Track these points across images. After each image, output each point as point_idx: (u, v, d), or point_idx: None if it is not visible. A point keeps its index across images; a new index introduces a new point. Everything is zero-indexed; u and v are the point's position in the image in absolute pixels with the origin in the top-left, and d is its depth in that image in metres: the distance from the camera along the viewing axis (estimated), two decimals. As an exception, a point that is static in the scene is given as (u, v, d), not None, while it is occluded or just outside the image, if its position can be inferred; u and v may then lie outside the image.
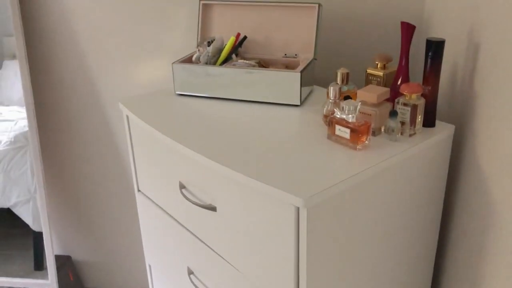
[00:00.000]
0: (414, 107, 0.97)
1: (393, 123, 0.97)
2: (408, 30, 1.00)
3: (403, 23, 1.00)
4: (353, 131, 0.94)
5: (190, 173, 1.06)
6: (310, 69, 1.25)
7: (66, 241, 2.12)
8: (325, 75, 1.44)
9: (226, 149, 0.98)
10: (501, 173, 0.90)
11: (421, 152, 0.99)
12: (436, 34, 1.21)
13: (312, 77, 1.30)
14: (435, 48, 0.98)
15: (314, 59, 1.28)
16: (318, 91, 1.32)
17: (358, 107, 0.95)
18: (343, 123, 0.95)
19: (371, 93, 0.98)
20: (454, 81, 1.11)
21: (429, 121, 1.04)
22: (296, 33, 1.30)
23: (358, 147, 0.95)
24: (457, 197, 1.13)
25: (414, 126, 1.00)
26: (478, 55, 1.00)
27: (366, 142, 0.96)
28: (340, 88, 1.03)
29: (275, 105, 1.20)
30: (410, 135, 1.00)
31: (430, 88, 1.01)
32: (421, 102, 0.98)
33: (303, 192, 0.80)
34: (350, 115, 0.94)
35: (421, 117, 1.00)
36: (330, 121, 0.98)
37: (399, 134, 0.98)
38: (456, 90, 1.12)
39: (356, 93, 1.10)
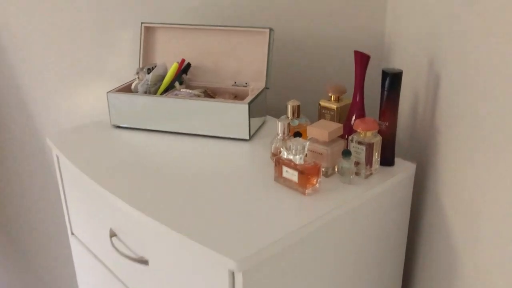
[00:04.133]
0: (370, 146, 0.87)
1: (346, 164, 0.87)
2: (362, 60, 0.90)
3: (356, 53, 0.90)
4: (301, 173, 0.83)
5: (121, 220, 0.93)
6: (261, 99, 1.14)
7: None
8: (280, 104, 1.34)
9: (159, 195, 0.86)
10: (464, 217, 0.80)
11: (379, 195, 0.89)
12: (397, 63, 1.12)
13: (264, 108, 1.19)
14: (391, 80, 0.89)
15: (266, 88, 1.18)
16: (272, 122, 1.21)
17: (306, 146, 0.84)
18: (291, 164, 0.84)
19: (322, 130, 0.88)
20: (415, 115, 1.02)
21: (387, 160, 0.94)
22: (246, 60, 1.20)
23: (307, 191, 0.84)
24: (421, 240, 1.03)
25: (371, 166, 0.89)
26: (439, 87, 0.92)
27: (317, 185, 0.85)
28: (289, 123, 0.93)
29: (222, 139, 1.09)
30: (366, 176, 0.90)
31: (387, 123, 0.91)
32: (378, 140, 0.88)
33: (238, 252, 0.68)
34: (297, 156, 0.83)
35: (378, 156, 0.90)
36: (277, 162, 0.87)
37: (353, 175, 0.88)
38: (417, 125, 1.02)
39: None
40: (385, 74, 0.89)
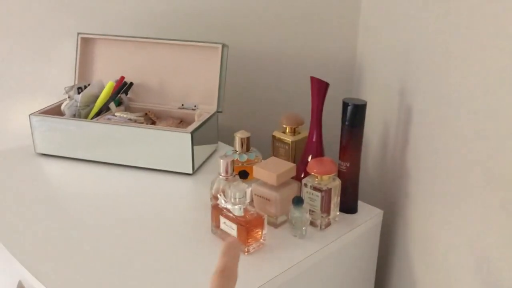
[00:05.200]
0: (327, 192, 0.72)
1: (297, 214, 0.72)
2: (319, 87, 0.75)
3: (313, 79, 0.76)
4: (241, 226, 0.68)
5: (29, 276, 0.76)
6: (211, 125, 0.99)
7: None
8: (236, 128, 1.19)
9: (67, 252, 0.70)
10: (435, 278, 0.66)
11: (338, 250, 0.74)
12: (367, 91, 0.98)
13: (216, 134, 1.04)
14: (353, 113, 0.74)
15: (218, 111, 1.03)
16: (221, 148, 1.06)
17: (249, 193, 0.69)
18: (229, 216, 0.69)
19: (269, 172, 0.73)
20: (384, 153, 0.88)
21: (349, 206, 0.79)
22: (196, 79, 1.04)
23: (248, 248, 0.68)
24: (388, 296, 0.89)
25: (328, 214, 0.75)
26: (411, 121, 0.78)
27: (261, 240, 0.70)
28: (233, 161, 0.77)
29: (161, 173, 0.93)
30: (323, 227, 0.75)
31: (348, 164, 0.77)
32: (336, 184, 0.74)
33: None
34: (237, 206, 0.68)
35: (337, 201, 0.75)
36: (214, 210, 0.72)
37: (306, 227, 0.73)
38: (386, 165, 0.88)
39: (257, 165, 0.85)
40: (345, 105, 0.74)
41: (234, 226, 0.68)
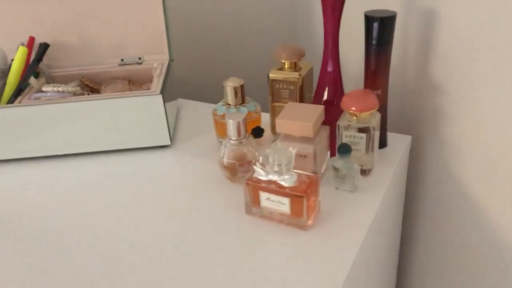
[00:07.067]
0: (373, 131, 0.59)
1: (346, 164, 0.58)
2: (334, 2, 0.59)
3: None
4: (297, 199, 0.52)
5: None
6: (170, 79, 0.78)
7: None
8: (188, 79, 0.99)
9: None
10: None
11: (388, 192, 0.62)
12: None
13: (175, 90, 0.83)
14: (381, 29, 0.60)
15: (171, 60, 0.81)
16: (187, 107, 0.86)
17: (294, 156, 0.53)
18: (274, 189, 0.53)
19: (304, 122, 0.57)
20: (403, 69, 0.75)
21: (381, 141, 0.68)
22: (133, 24, 0.80)
23: (309, 222, 0.54)
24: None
25: (372, 157, 0.62)
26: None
27: (317, 209, 0.56)
28: (244, 119, 0.60)
29: (130, 153, 0.72)
30: (366, 173, 0.63)
31: (380, 92, 0.64)
32: (377, 120, 0.61)
33: None
34: (286, 175, 0.52)
35: (377, 142, 0.63)
36: (249, 187, 0.55)
37: (358, 177, 0.60)
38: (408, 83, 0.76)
39: (260, 118, 0.69)
40: (370, 20, 0.60)
41: (285, 199, 0.53)
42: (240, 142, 0.60)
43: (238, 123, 0.59)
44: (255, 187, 0.54)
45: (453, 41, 0.64)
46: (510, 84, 0.60)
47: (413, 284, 0.91)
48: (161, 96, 0.68)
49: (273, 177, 0.53)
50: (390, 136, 0.70)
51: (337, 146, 0.59)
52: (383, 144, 0.69)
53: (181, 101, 0.87)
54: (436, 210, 0.78)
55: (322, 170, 0.62)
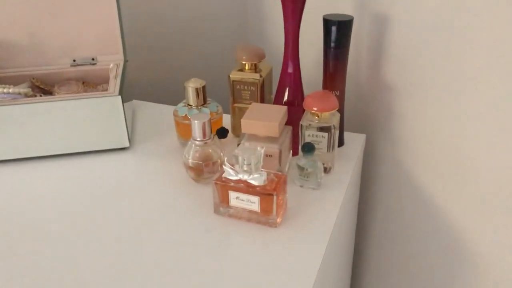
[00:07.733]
0: (334, 130, 0.62)
1: (309, 163, 0.60)
2: (294, 4, 0.61)
3: (288, -4, 0.60)
4: (266, 197, 0.53)
5: None
6: (126, 80, 0.76)
7: None
8: (139, 80, 0.97)
9: None
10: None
11: (348, 188, 0.65)
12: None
13: (130, 91, 0.81)
14: (339, 32, 0.63)
15: (126, 61, 0.80)
16: (143, 108, 0.85)
17: (262, 154, 0.54)
18: (243, 188, 0.54)
19: (269, 122, 0.58)
20: (357, 71, 0.78)
21: (339, 139, 0.71)
22: (85, 23, 0.78)
23: (278, 220, 0.55)
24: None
25: (333, 155, 0.65)
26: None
27: (284, 207, 0.57)
28: (209, 120, 0.60)
29: (86, 157, 0.70)
30: (328, 170, 0.65)
31: (338, 92, 0.67)
32: (337, 119, 0.63)
33: None
34: (256, 174, 0.53)
35: (337, 141, 0.66)
36: (217, 186, 0.55)
37: (321, 175, 0.62)
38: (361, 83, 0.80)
39: (221, 119, 0.70)
40: (329, 24, 0.62)
41: (255, 198, 0.54)
42: (205, 143, 0.61)
43: (204, 123, 0.59)
44: (224, 187, 0.55)
45: (403, 43, 0.68)
46: (458, 83, 0.64)
47: (366, 276, 0.95)
48: (119, 97, 0.67)
49: (243, 177, 0.53)
50: (346, 135, 0.74)
51: (300, 145, 0.61)
52: (340, 142, 0.71)
53: (136, 102, 0.86)
54: (389, 204, 0.82)
55: (286, 169, 0.64)
